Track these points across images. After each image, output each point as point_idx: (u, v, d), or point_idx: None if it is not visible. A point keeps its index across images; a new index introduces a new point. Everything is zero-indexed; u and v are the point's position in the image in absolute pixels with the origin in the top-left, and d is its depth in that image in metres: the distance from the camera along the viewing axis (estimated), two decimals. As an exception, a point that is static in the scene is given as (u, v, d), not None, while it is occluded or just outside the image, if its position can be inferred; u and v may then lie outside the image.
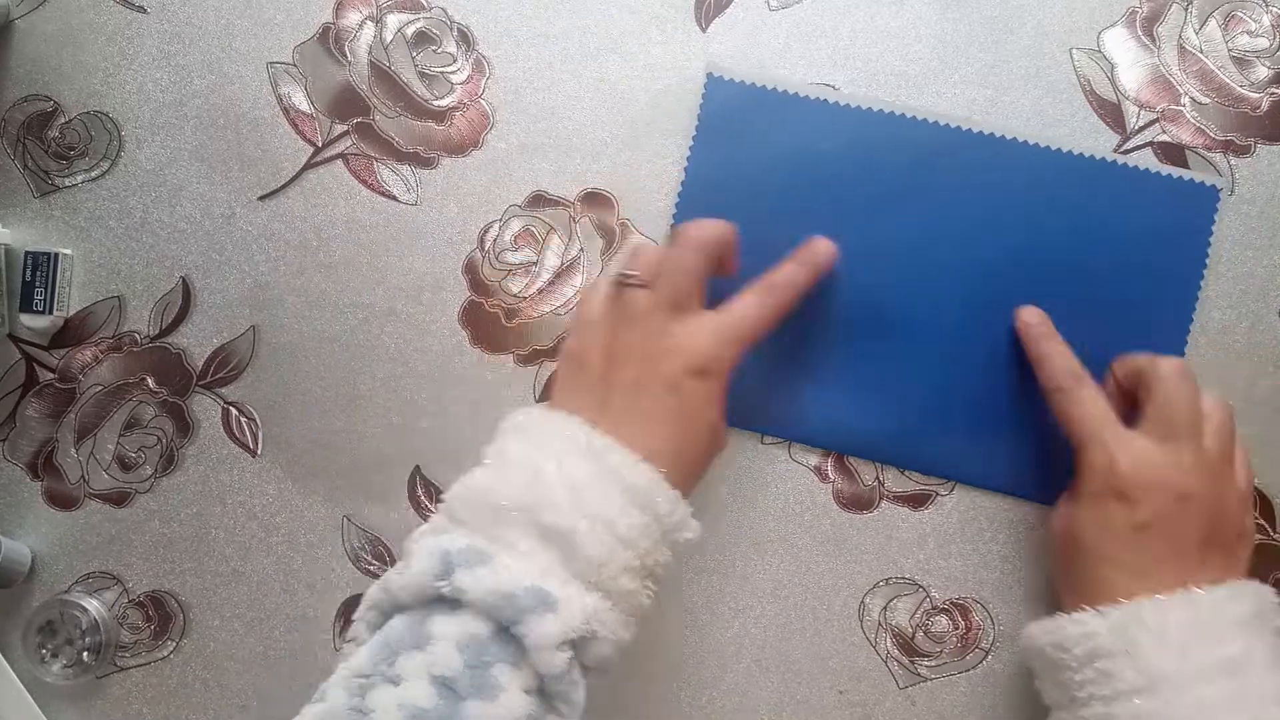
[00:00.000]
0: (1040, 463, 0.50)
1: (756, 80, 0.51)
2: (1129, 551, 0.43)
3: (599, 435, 0.41)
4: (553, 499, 0.39)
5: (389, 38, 0.53)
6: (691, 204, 0.52)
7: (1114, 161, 0.51)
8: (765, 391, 0.51)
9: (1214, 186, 0.51)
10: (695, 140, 0.52)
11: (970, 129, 0.51)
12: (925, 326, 0.51)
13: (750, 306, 0.45)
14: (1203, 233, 0.51)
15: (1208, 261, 0.51)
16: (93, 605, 0.52)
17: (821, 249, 0.48)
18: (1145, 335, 0.50)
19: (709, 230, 0.45)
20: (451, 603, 0.37)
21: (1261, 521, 0.51)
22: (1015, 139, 0.51)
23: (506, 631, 0.36)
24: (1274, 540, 0.51)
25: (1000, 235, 0.51)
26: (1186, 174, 0.51)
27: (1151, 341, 0.49)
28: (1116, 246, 0.50)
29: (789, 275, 0.47)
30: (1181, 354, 0.50)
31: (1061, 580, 0.47)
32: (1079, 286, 0.50)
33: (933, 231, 0.51)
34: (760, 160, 0.51)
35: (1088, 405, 0.46)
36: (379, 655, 0.36)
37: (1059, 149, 0.51)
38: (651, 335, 0.43)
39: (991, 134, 0.51)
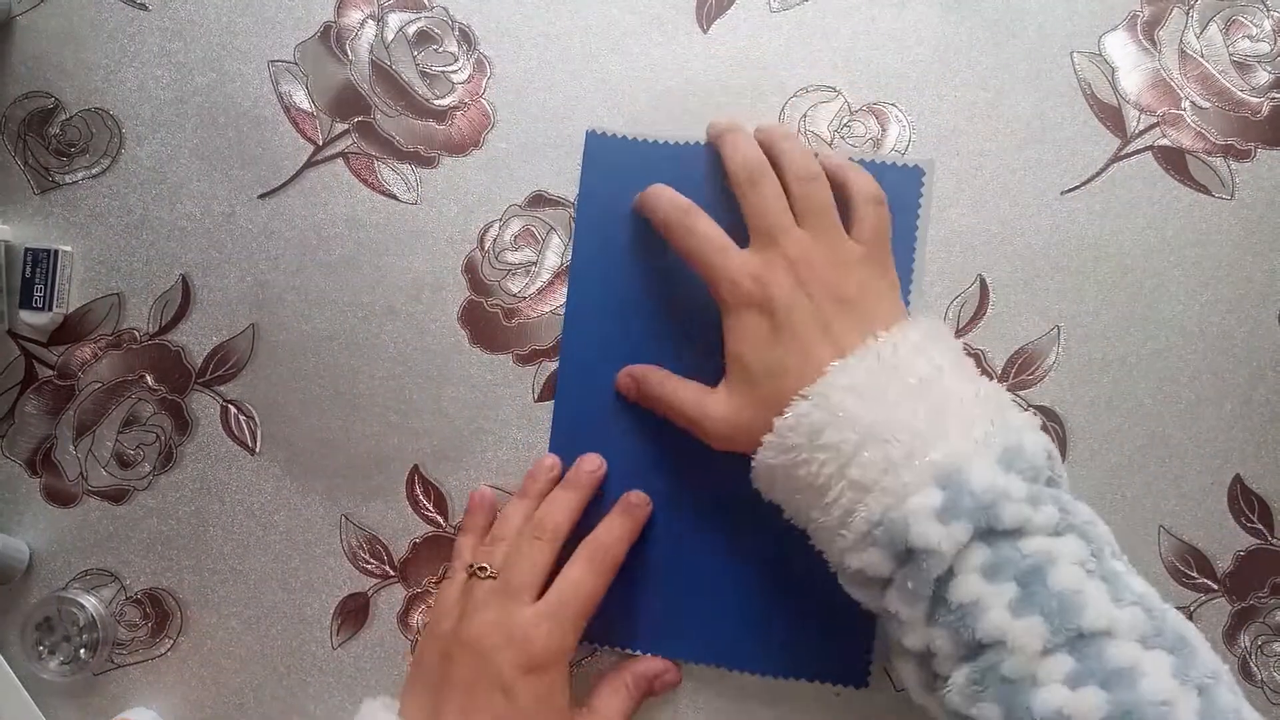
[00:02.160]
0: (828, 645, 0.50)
1: (633, 134, 0.52)
2: (787, 343, 0.43)
3: None
4: None
5: (390, 37, 0.53)
6: (582, 256, 0.52)
7: (817, 155, 0.50)
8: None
9: (918, 167, 0.51)
10: (579, 198, 0.52)
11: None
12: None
13: (583, 578, 0.46)
14: (910, 211, 0.51)
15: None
16: (90, 602, 0.52)
17: (593, 477, 0.50)
18: None
19: (589, 475, 0.49)
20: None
21: (1259, 526, 0.51)
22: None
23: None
24: (1272, 545, 0.51)
25: None
26: (897, 159, 0.51)
27: None
28: None
29: (614, 531, 0.48)
30: None
31: (758, 409, 0.45)
32: None
33: None
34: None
35: (699, 235, 0.46)
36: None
37: None
38: (488, 630, 0.44)
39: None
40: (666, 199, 0.48)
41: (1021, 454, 0.39)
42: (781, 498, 0.44)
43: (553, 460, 0.51)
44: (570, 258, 0.52)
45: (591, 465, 0.50)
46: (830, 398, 0.41)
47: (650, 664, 0.50)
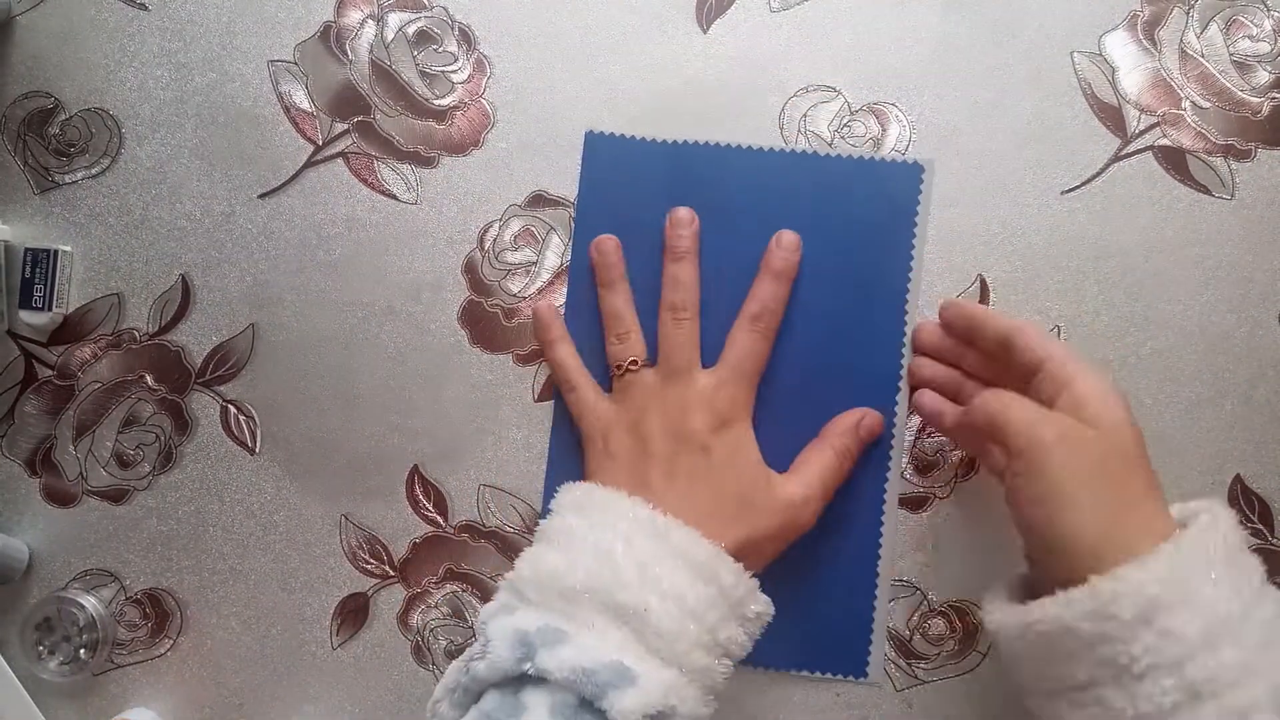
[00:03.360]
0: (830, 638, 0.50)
1: (632, 134, 0.52)
2: (1122, 484, 0.38)
3: (659, 514, 0.42)
4: (623, 579, 0.40)
5: (390, 36, 0.53)
6: (582, 256, 0.52)
7: (817, 153, 0.51)
8: None
9: (917, 163, 0.51)
10: (579, 198, 0.52)
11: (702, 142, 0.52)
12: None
13: (749, 341, 0.48)
14: (909, 208, 0.51)
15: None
16: (90, 602, 0.52)
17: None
18: (864, 320, 0.51)
19: (690, 234, 0.50)
20: (537, 679, 0.38)
21: (1260, 526, 0.51)
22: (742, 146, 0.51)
23: (590, 704, 0.38)
24: (1273, 545, 0.51)
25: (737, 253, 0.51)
26: (895, 156, 0.51)
27: (872, 318, 0.50)
28: (831, 239, 0.51)
29: (767, 293, 0.49)
30: (901, 333, 0.51)
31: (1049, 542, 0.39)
32: (804, 286, 0.50)
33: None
34: (637, 206, 0.51)
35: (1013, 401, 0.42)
36: None
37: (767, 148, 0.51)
38: (673, 407, 0.47)
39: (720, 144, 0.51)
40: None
41: None
42: (1034, 661, 0.38)
43: (613, 241, 0.51)
44: (569, 257, 0.52)
45: (684, 220, 0.50)
46: (1177, 573, 0.35)
47: (844, 418, 0.49)
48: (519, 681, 0.39)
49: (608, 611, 0.40)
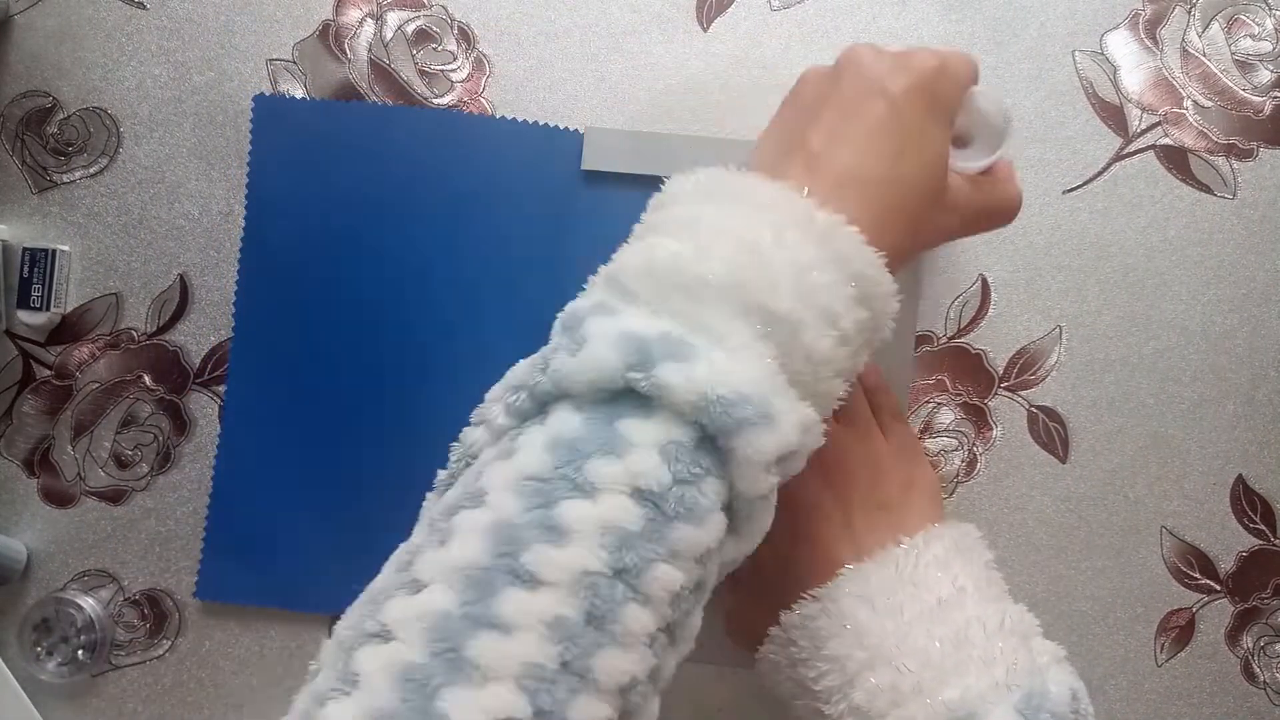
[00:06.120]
0: None
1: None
2: (803, 541, 0.41)
3: (821, 209, 0.32)
4: (774, 279, 0.31)
5: (389, 35, 0.53)
6: (257, 229, 0.52)
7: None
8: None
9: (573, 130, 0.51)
10: (251, 162, 0.52)
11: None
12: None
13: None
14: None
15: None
16: (88, 603, 0.52)
17: None
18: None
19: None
20: (640, 401, 0.30)
21: (1262, 527, 0.51)
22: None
23: (710, 440, 0.30)
24: (1275, 546, 0.51)
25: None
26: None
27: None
28: None
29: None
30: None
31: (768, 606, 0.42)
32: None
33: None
34: (322, 172, 0.51)
35: None
36: (560, 457, 0.29)
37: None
38: (880, 59, 0.36)
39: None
40: None
41: (1045, 699, 0.35)
42: (785, 696, 0.42)
43: None
44: (244, 227, 0.52)
45: None
46: (840, 604, 0.39)
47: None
48: (614, 402, 0.30)
49: (751, 319, 0.30)
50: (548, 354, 0.32)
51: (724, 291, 0.31)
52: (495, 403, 0.32)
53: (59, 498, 0.53)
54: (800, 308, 0.31)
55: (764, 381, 0.30)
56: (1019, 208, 0.40)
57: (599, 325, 0.31)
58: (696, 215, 0.33)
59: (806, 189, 0.33)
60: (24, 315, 0.52)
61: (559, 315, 0.33)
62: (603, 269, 0.33)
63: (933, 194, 0.36)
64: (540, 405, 0.31)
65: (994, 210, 0.40)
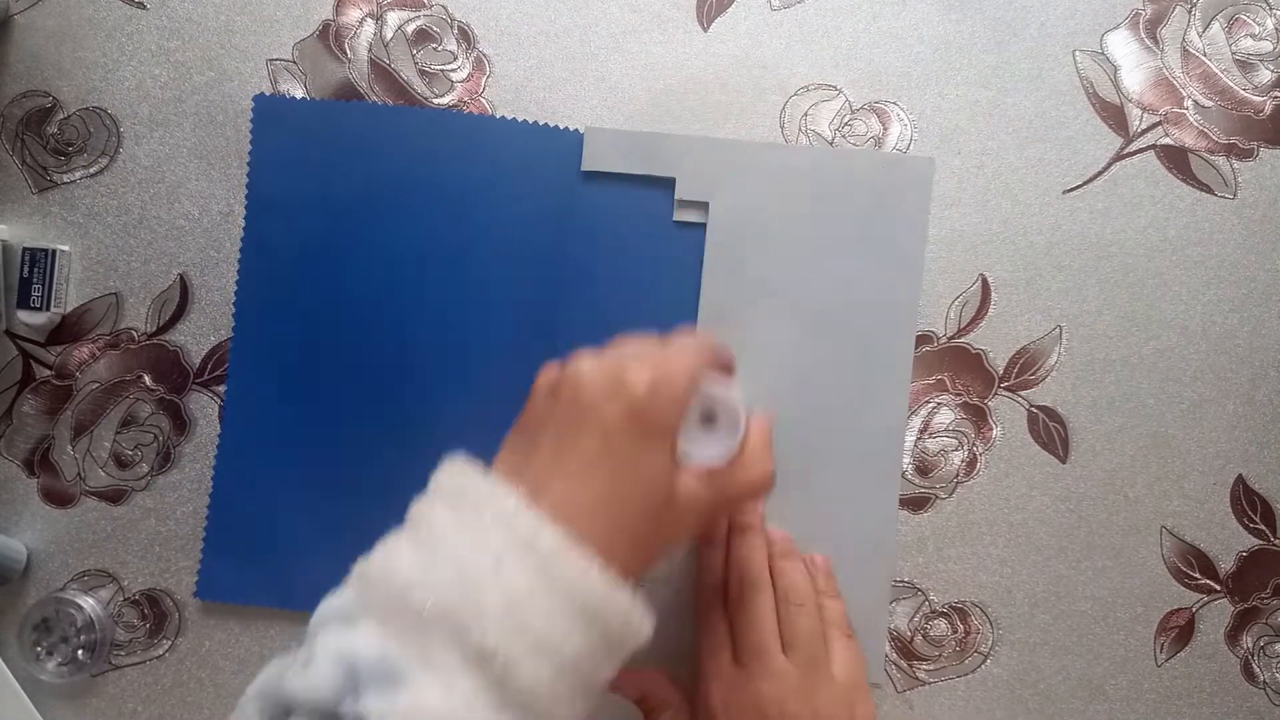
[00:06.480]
0: None
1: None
2: None
3: (546, 526, 0.34)
4: (486, 611, 0.32)
5: (389, 35, 0.53)
6: (257, 229, 0.52)
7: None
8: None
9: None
10: (251, 162, 0.52)
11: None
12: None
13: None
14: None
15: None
16: (88, 603, 0.52)
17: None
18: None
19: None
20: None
21: (1262, 527, 0.51)
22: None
23: None
24: (1275, 546, 0.51)
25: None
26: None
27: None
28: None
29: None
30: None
31: None
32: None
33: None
34: (322, 172, 0.52)
35: (706, 630, 0.46)
36: None
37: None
38: (597, 377, 0.38)
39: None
40: (758, 557, 0.47)
41: None
42: None
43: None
44: (244, 225, 0.52)
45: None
46: None
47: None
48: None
49: (461, 652, 0.32)
50: (286, 664, 0.33)
51: (436, 622, 0.32)
52: (250, 702, 0.34)
53: (59, 498, 0.53)
54: (507, 643, 0.32)
55: (467, 711, 0.31)
56: (770, 486, 0.42)
57: (327, 642, 0.32)
58: (442, 522, 0.35)
59: (534, 511, 0.34)
60: (24, 315, 0.52)
61: (318, 608, 0.34)
62: (360, 563, 0.35)
63: (655, 510, 0.37)
64: (282, 711, 0.32)
65: (736, 498, 0.41)
